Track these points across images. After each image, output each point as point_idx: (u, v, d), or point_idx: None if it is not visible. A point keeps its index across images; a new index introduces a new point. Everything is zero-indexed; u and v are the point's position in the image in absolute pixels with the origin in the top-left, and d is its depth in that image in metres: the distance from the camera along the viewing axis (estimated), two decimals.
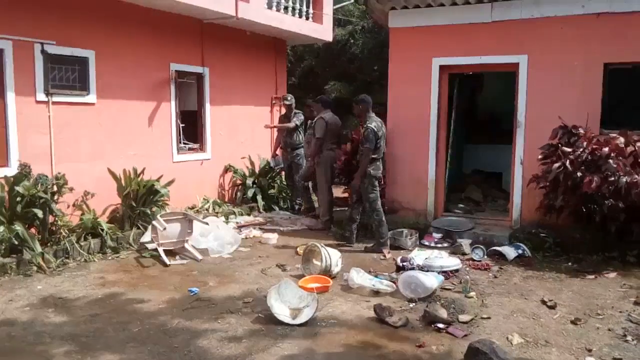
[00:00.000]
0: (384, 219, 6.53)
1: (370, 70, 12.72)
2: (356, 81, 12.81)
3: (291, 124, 8.48)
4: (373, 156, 6.42)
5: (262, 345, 3.93)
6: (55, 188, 5.96)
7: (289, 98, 8.75)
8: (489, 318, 4.44)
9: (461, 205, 7.80)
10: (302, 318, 4.33)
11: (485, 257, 6.14)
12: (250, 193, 8.78)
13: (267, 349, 3.87)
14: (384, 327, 4.26)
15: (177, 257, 6.21)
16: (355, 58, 12.98)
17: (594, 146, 5.86)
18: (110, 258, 6.16)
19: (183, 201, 8.08)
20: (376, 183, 6.56)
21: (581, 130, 6.09)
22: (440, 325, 4.22)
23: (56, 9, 6.47)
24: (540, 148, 6.25)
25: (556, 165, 5.88)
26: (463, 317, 4.41)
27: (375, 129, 6.37)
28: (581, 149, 5.88)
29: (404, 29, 7.36)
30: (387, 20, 7.50)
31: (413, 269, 5.51)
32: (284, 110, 9.21)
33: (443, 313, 4.38)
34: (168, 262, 5.93)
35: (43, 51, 6.33)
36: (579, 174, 5.75)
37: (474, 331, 4.19)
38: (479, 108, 9.99)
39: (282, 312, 4.39)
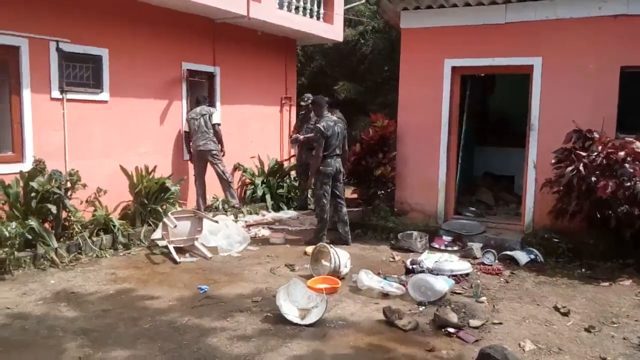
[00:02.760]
0: (326, 217, 6.67)
1: (381, 70, 12.71)
2: (366, 81, 12.79)
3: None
4: (324, 153, 6.52)
5: (270, 344, 3.93)
6: (68, 184, 6.01)
7: (305, 98, 8.75)
8: (500, 323, 4.40)
9: (472, 208, 7.76)
10: (310, 318, 4.33)
11: (497, 261, 6.10)
12: (259, 192, 8.79)
13: (276, 348, 3.88)
14: (393, 330, 4.25)
15: (187, 254, 6.24)
16: (365, 58, 12.97)
17: (610, 150, 5.80)
18: (121, 254, 6.20)
19: (193, 199, 8.12)
20: (326, 180, 6.62)
21: (596, 134, 6.03)
22: (451, 330, 4.19)
23: (71, 8, 6.53)
24: (553, 152, 6.20)
25: (570, 168, 5.83)
26: (474, 322, 4.38)
27: (323, 128, 6.52)
28: (596, 153, 5.82)
29: (415, 30, 7.34)
30: (399, 20, 7.48)
31: (423, 271, 5.49)
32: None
33: (453, 317, 4.35)
34: (178, 260, 5.96)
35: (58, 49, 6.39)
36: (593, 178, 5.69)
37: (485, 336, 4.15)
38: (490, 110, 9.94)
39: (290, 312, 4.39)
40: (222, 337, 4.05)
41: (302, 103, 8.76)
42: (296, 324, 4.27)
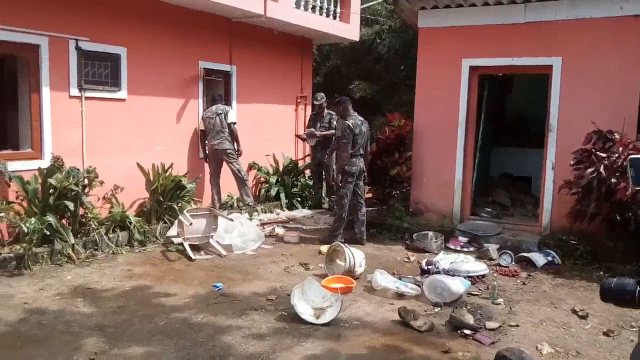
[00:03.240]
0: (344, 217, 6.65)
1: (397, 70, 12.64)
2: (382, 81, 12.73)
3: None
4: (350, 152, 6.50)
5: (285, 344, 3.93)
6: (86, 181, 6.06)
7: (319, 98, 8.72)
8: (517, 326, 4.35)
9: (489, 210, 7.67)
10: (325, 318, 4.32)
11: (513, 263, 6.03)
12: (273, 191, 8.80)
13: (291, 348, 3.87)
14: (409, 331, 4.22)
15: (202, 252, 6.26)
16: (381, 58, 12.91)
17: (631, 152, 5.70)
18: (137, 251, 6.25)
19: (208, 197, 8.16)
20: (350, 180, 6.60)
21: (617, 136, 5.93)
22: (467, 332, 4.15)
23: (91, 7, 6.58)
24: (573, 153, 6.11)
25: (590, 170, 5.74)
26: (490, 324, 4.33)
27: (352, 126, 6.49)
28: (617, 155, 5.73)
29: (433, 30, 7.29)
30: (417, 20, 7.43)
31: (438, 272, 5.45)
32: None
33: (470, 319, 4.31)
34: (193, 257, 5.98)
35: (78, 47, 6.45)
36: (613, 180, 5.60)
37: (501, 339, 4.11)
38: (508, 110, 9.84)
39: (305, 311, 4.38)
40: (237, 335, 4.05)
41: (316, 103, 8.70)
42: (311, 324, 4.26)
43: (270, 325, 4.26)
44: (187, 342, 3.92)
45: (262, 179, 9.17)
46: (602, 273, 5.77)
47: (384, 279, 5.07)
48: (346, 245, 5.54)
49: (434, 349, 3.91)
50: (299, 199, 8.97)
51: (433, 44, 7.29)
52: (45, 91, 6.21)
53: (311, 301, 4.52)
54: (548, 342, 4.03)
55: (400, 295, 4.96)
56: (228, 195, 8.39)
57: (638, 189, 1.50)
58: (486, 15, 6.91)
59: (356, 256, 5.40)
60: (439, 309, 4.70)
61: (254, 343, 3.93)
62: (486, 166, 8.93)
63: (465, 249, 6.57)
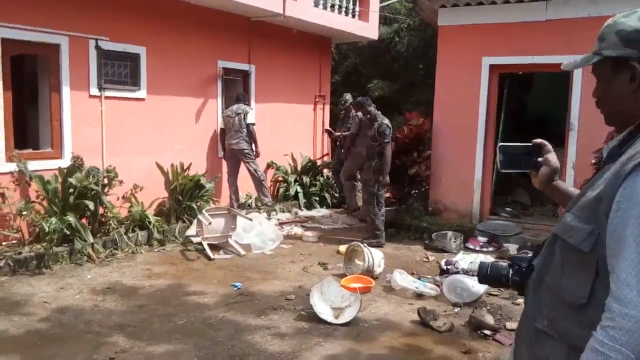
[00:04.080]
0: (379, 213, 6.60)
1: (415, 69, 12.53)
2: (400, 80, 12.64)
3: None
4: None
5: (305, 343, 3.92)
6: (105, 180, 6.12)
7: (342, 101, 8.90)
8: None
9: (508, 209, 7.59)
10: (344, 318, 4.30)
11: None
12: (292, 190, 8.80)
13: (310, 347, 3.86)
14: (428, 331, 4.19)
15: (221, 251, 6.28)
16: (399, 57, 12.80)
17: None
18: (156, 250, 6.29)
19: (225, 197, 8.18)
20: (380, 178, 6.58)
21: None
22: (487, 332, 4.11)
23: (110, 6, 6.64)
24: (593, 152, 6.00)
25: None
26: (510, 325, 4.28)
27: (390, 125, 6.48)
28: None
29: (453, 27, 7.22)
30: (437, 18, 7.37)
31: (457, 272, 5.39)
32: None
33: (490, 319, 4.26)
34: (212, 256, 6.00)
35: (97, 47, 6.51)
36: None
37: None
38: (527, 109, 9.70)
39: (324, 311, 4.37)
40: (257, 334, 4.06)
41: (340, 105, 8.90)
42: (330, 323, 4.25)
43: (289, 324, 4.26)
44: (206, 341, 3.93)
45: (280, 178, 9.17)
46: None
47: (402, 279, 5.03)
48: (365, 244, 5.51)
49: (454, 349, 3.88)
50: (317, 198, 8.96)
51: (452, 42, 7.22)
52: (65, 90, 6.29)
53: (330, 301, 4.50)
54: None
55: (419, 295, 4.92)
56: (246, 195, 8.41)
57: (503, 171, 1.66)
58: (506, 12, 6.83)
59: (375, 256, 5.37)
60: (458, 309, 4.66)
61: (273, 342, 3.93)
62: None
63: (485, 249, 6.51)
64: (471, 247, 6.58)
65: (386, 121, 6.57)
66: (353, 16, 10.04)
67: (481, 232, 6.84)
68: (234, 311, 4.51)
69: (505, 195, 8.17)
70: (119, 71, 6.85)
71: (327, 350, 3.83)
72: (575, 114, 6.53)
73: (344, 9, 9.72)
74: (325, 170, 9.44)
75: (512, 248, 6.25)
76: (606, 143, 5.15)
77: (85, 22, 6.38)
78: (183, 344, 3.90)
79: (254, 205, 8.20)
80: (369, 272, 5.31)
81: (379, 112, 6.70)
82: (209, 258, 6.00)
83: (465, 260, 5.80)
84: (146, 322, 4.26)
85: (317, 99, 10.22)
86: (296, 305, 4.67)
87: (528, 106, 9.70)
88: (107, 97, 6.68)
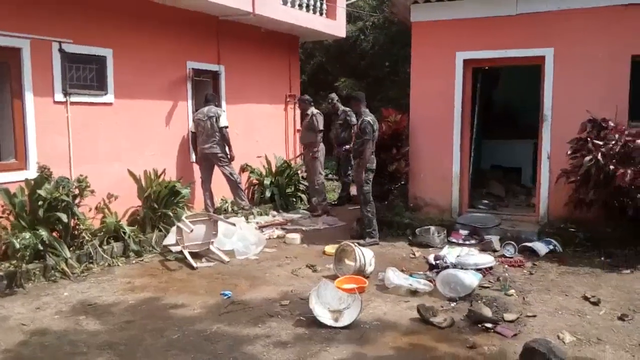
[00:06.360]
0: (374, 211, 6.64)
1: (381, 66, 12.60)
2: (367, 78, 12.67)
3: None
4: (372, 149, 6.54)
5: (309, 350, 3.80)
6: (77, 191, 5.80)
7: (329, 100, 9.21)
8: (534, 316, 4.33)
9: (485, 201, 7.70)
10: (345, 320, 4.21)
11: (516, 253, 6.03)
12: (268, 193, 8.64)
13: (316, 354, 3.75)
14: (430, 328, 4.15)
15: (203, 259, 6.07)
16: (365, 54, 12.84)
17: (627, 139, 5.76)
18: (134, 262, 6.02)
19: (200, 203, 7.94)
20: (371, 176, 6.61)
21: (611, 123, 5.98)
22: (488, 325, 4.11)
23: (73, 7, 6.31)
24: (569, 142, 6.15)
25: (588, 158, 5.78)
26: (508, 316, 4.30)
27: (371, 122, 6.50)
28: (613, 142, 5.78)
29: (426, 23, 7.23)
30: (409, 14, 7.37)
31: (447, 267, 5.39)
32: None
33: (488, 312, 4.27)
34: (195, 265, 5.79)
35: (61, 50, 6.17)
36: (611, 167, 5.65)
37: (522, 330, 4.08)
38: (494, 102, 9.87)
39: (323, 314, 4.27)
40: (257, 344, 3.91)
41: (328, 104, 9.10)
42: (330, 327, 4.15)
43: (289, 331, 4.13)
44: (205, 355, 3.76)
45: (255, 181, 8.99)
46: (602, 258, 5.83)
47: (396, 277, 4.99)
48: (356, 244, 5.44)
49: (458, 345, 3.85)
50: (294, 200, 8.83)
51: (426, 37, 7.23)
52: (28, 97, 5.92)
53: (327, 303, 4.40)
54: (567, 330, 4.03)
55: (413, 292, 4.89)
56: (222, 199, 8.19)
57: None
58: (478, 7, 6.89)
59: (366, 255, 5.30)
60: (454, 303, 4.65)
61: (276, 351, 3.79)
62: (477, 158, 8.95)
63: (467, 242, 6.55)
64: (454, 240, 6.61)
65: (368, 118, 6.53)
66: (321, 14, 9.96)
67: (462, 226, 6.88)
68: (228, 321, 4.34)
69: (480, 188, 8.27)
70: (85, 75, 6.52)
71: (333, 355, 3.72)
72: (548, 105, 6.65)
73: (311, 8, 9.62)
74: (300, 172, 9.31)
75: (494, 240, 6.30)
76: (580, 133, 5.29)
77: (47, 25, 6.04)
78: (181, 359, 3.72)
79: (230, 209, 7.98)
80: (360, 271, 5.24)
81: (367, 110, 6.74)
82: (191, 267, 5.78)
83: (452, 254, 5.82)
84: (137, 339, 4.04)
85: (287, 99, 10.07)
86: (292, 310, 4.54)
87: (495, 100, 9.86)
88: (73, 103, 6.35)
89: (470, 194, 7.56)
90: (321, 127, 8.32)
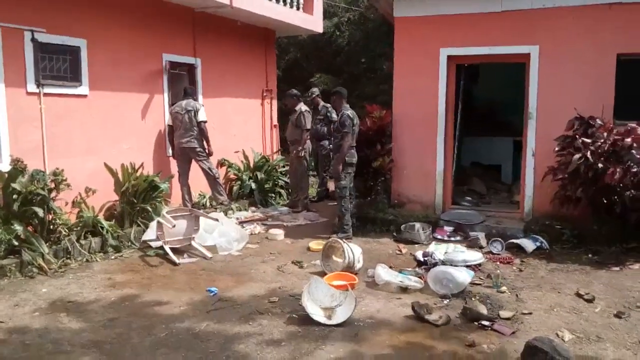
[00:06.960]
0: (349, 207, 6.62)
1: (357, 62, 12.52)
2: (343, 74, 12.58)
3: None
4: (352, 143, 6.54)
5: (304, 348, 3.68)
6: (52, 184, 5.53)
7: (309, 93, 9.04)
8: (530, 314, 4.29)
9: (468, 198, 7.69)
10: (338, 318, 4.10)
11: (504, 250, 6.03)
12: (246, 188, 8.46)
13: (311, 352, 3.63)
14: (425, 326, 4.07)
15: (185, 255, 5.88)
16: (341, 50, 12.75)
17: (616, 137, 5.80)
18: (112, 257, 5.79)
19: (177, 197, 7.71)
20: (350, 170, 6.60)
21: (599, 122, 6.03)
22: (485, 323, 4.06)
23: None
24: (556, 139, 6.17)
25: (577, 156, 5.79)
26: (504, 314, 4.26)
27: (351, 116, 6.50)
28: (602, 140, 5.82)
29: (410, 19, 7.17)
30: (391, 10, 7.29)
31: (436, 264, 5.34)
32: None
33: (483, 309, 4.22)
34: (177, 261, 5.59)
35: (33, 39, 5.87)
36: (600, 165, 5.69)
37: (520, 328, 4.03)
38: (474, 99, 9.92)
39: (315, 312, 4.15)
40: (250, 342, 3.77)
41: (308, 98, 8.88)
42: (323, 325, 4.04)
43: (281, 329, 4.00)
44: (196, 354, 3.61)
45: (233, 176, 8.79)
46: (590, 255, 5.84)
47: (386, 274, 4.91)
48: (344, 240, 5.34)
49: (457, 344, 3.79)
50: (272, 195, 8.68)
51: (409, 33, 7.16)
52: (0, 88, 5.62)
53: (319, 300, 4.29)
54: (566, 328, 3.99)
55: (404, 289, 4.81)
56: (200, 194, 7.98)
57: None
58: (463, 3, 6.85)
59: (355, 251, 5.21)
60: (447, 300, 4.59)
61: (270, 350, 3.66)
62: (458, 155, 8.96)
63: (453, 238, 6.52)
64: (439, 237, 6.57)
65: (348, 112, 6.51)
66: (298, 8, 9.82)
67: (446, 222, 6.85)
68: (217, 319, 4.19)
69: (462, 185, 8.29)
70: (58, 66, 6.22)
71: (330, 354, 3.61)
72: (533, 103, 6.68)
73: (288, 1, 9.46)
74: (277, 167, 9.16)
75: (481, 236, 6.28)
76: (567, 131, 5.26)
77: (19, 13, 5.74)
78: (170, 358, 3.55)
79: (208, 204, 7.79)
80: (349, 268, 5.14)
81: (347, 105, 6.70)
82: (174, 263, 5.59)
83: (439, 250, 5.78)
84: (123, 337, 3.85)
85: (264, 94, 9.90)
86: (282, 308, 4.41)
87: (475, 97, 9.91)
88: (46, 94, 6.05)
89: (452, 191, 7.55)
90: (308, 127, 8.08)
